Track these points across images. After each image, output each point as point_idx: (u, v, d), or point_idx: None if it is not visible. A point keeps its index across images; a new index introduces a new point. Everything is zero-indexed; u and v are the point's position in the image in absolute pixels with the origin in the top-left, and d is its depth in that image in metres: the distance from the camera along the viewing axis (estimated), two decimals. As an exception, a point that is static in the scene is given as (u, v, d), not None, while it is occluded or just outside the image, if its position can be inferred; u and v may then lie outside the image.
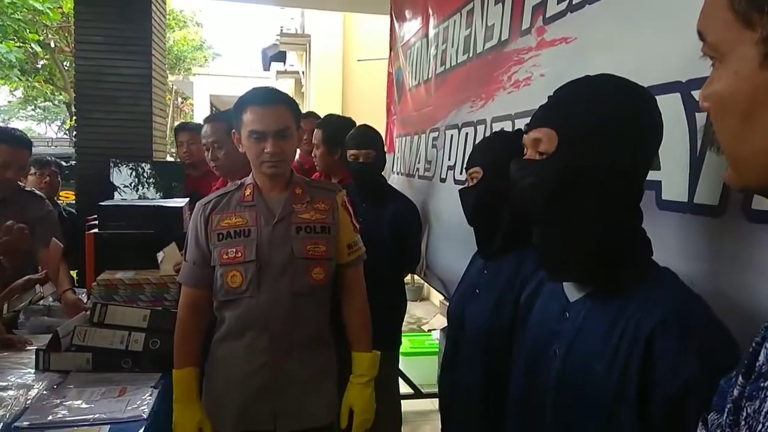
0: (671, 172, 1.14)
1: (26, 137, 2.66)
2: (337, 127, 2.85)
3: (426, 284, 6.90)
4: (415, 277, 6.60)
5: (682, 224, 1.11)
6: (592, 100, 0.95)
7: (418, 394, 3.73)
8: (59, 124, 22.87)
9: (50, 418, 1.57)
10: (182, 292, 1.78)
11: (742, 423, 0.54)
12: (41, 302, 2.42)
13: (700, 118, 1.08)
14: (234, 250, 1.67)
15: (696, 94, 1.08)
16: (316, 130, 2.88)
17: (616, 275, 0.94)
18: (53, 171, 3.54)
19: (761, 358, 0.54)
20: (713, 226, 1.04)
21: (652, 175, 1.18)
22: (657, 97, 1.15)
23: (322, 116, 3.18)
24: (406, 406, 3.10)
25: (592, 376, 0.90)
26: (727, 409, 0.57)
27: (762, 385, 0.52)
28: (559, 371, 0.97)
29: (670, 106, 1.13)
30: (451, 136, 2.52)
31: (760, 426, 0.51)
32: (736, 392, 0.57)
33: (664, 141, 1.15)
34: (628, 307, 0.90)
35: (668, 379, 0.82)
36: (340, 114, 3.26)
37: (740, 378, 0.57)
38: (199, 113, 17.89)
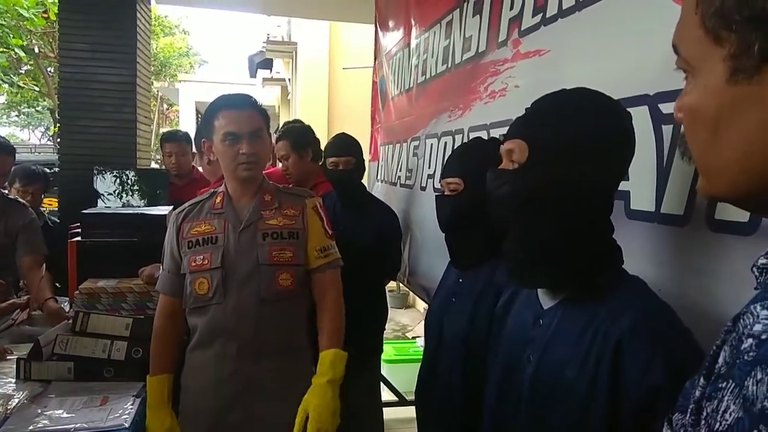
0: (639, 183, 1.18)
1: (9, 144, 2.66)
2: (300, 132, 2.88)
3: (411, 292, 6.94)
4: (401, 284, 6.65)
5: (650, 233, 1.15)
6: (566, 113, 0.98)
7: (402, 401, 3.73)
8: (43, 130, 22.67)
9: (31, 428, 1.57)
10: (159, 300, 1.81)
11: (702, 422, 0.56)
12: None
13: (667, 130, 1.11)
14: (201, 257, 1.69)
15: (663, 107, 1.12)
16: (279, 142, 2.83)
17: (587, 283, 0.96)
18: (37, 188, 3.46)
19: (720, 360, 0.57)
20: (678, 235, 1.08)
21: (621, 186, 1.21)
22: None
23: (308, 124, 3.19)
24: (390, 413, 3.11)
25: (563, 382, 0.92)
26: (689, 410, 0.59)
27: (720, 385, 0.54)
28: (532, 377, 0.99)
29: (638, 119, 1.15)
30: (431, 145, 2.55)
31: (718, 424, 0.52)
32: (697, 393, 0.58)
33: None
34: (599, 314, 0.92)
35: (636, 386, 0.84)
36: (302, 122, 3.23)
37: (701, 380, 0.59)
38: (185, 120, 17.81)
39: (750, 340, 0.50)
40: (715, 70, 0.52)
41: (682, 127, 0.60)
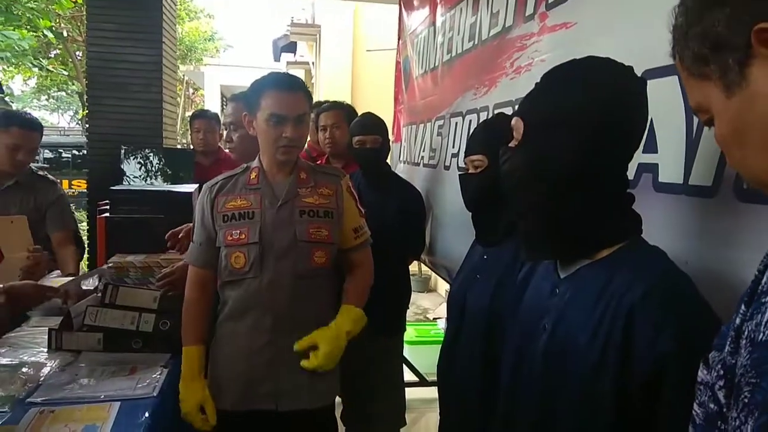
0: (668, 155, 1.16)
1: (37, 120, 2.70)
2: (354, 111, 2.93)
3: (433, 275, 6.95)
4: (423, 268, 6.67)
5: (678, 205, 1.13)
6: (558, 87, 0.98)
7: (423, 382, 3.77)
8: (72, 113, 23.06)
9: (63, 394, 1.62)
10: (189, 272, 1.82)
11: (743, 343, 0.57)
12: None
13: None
14: (238, 231, 1.71)
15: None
16: (330, 111, 2.87)
17: (596, 252, 0.97)
18: None
19: (763, 280, 0.59)
20: (707, 206, 1.06)
21: (649, 159, 1.20)
22: (654, 81, 1.18)
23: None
24: (411, 393, 3.12)
25: (576, 349, 0.93)
26: (728, 341, 0.60)
27: (763, 300, 0.56)
28: (546, 344, 1.00)
29: (667, 90, 1.14)
30: (456, 123, 2.54)
31: (761, 335, 0.54)
32: (737, 320, 0.60)
33: (661, 124, 1.17)
34: (613, 282, 0.92)
35: (646, 353, 0.84)
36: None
37: (742, 306, 0.60)
38: (210, 103, 17.97)
39: None
40: (717, 97, 0.64)
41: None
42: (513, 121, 1.03)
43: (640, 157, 1.20)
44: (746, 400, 0.53)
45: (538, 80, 1.03)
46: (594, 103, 0.93)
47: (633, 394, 0.86)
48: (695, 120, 1.09)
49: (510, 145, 1.04)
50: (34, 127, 2.62)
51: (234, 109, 2.22)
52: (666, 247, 0.98)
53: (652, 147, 1.19)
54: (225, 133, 2.36)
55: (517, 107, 1.06)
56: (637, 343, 0.85)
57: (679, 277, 0.90)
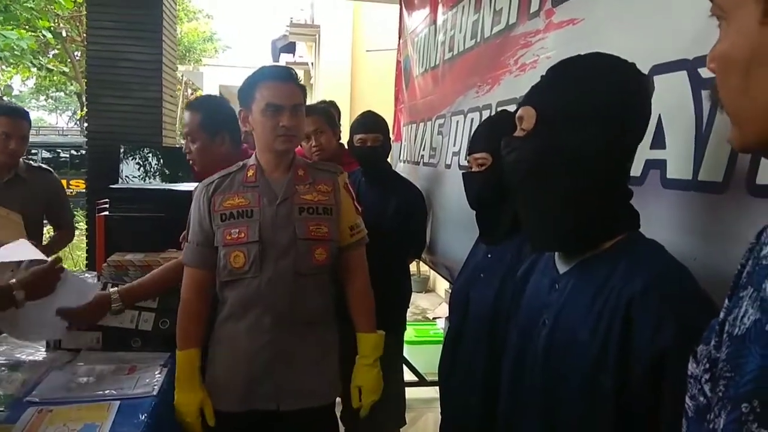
0: (676, 151, 1.15)
1: (23, 108, 2.78)
2: (329, 111, 2.88)
3: (431, 276, 6.94)
4: (422, 268, 6.66)
5: (686, 202, 1.12)
6: (572, 79, 0.98)
7: (422, 381, 3.75)
8: (70, 114, 23.08)
9: (61, 393, 1.60)
10: (185, 274, 1.78)
11: (724, 337, 0.56)
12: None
13: (707, 95, 1.08)
14: (237, 230, 1.68)
15: (703, 71, 1.09)
16: (308, 118, 2.77)
17: (597, 246, 0.97)
18: None
19: (744, 274, 0.58)
20: (717, 202, 1.05)
21: (656, 155, 1.19)
22: (663, 76, 1.17)
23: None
24: (411, 393, 3.12)
25: (576, 344, 0.93)
26: (714, 334, 0.59)
27: (741, 294, 0.55)
28: (547, 340, 1.00)
29: (676, 85, 1.13)
30: (457, 122, 2.53)
31: (737, 329, 0.53)
32: (722, 315, 0.59)
33: (670, 120, 1.16)
34: (612, 277, 0.92)
35: (645, 347, 0.84)
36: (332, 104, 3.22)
37: (726, 301, 0.59)
38: (209, 104, 17.96)
39: None
40: (748, 12, 0.53)
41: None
42: (521, 111, 1.02)
43: (647, 153, 1.19)
44: (721, 394, 0.53)
45: (551, 69, 1.03)
46: (610, 96, 0.94)
47: (634, 390, 0.86)
48: (704, 115, 1.08)
49: (516, 134, 1.03)
50: (21, 114, 2.68)
51: (190, 118, 2.01)
52: (674, 244, 0.97)
53: (660, 143, 1.18)
54: (184, 143, 2.14)
55: (524, 96, 1.06)
56: (636, 337, 0.85)
57: (678, 270, 0.90)
